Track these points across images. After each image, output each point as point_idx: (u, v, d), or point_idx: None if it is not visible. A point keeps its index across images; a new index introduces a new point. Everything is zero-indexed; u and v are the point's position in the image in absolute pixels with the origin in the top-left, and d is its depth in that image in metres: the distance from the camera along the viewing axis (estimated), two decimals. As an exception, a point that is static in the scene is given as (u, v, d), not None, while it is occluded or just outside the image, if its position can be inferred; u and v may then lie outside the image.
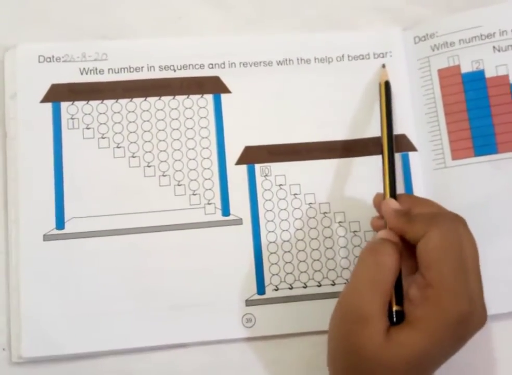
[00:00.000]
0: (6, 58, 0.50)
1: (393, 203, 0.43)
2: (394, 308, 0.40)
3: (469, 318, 0.38)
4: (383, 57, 0.52)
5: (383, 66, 0.52)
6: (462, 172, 0.50)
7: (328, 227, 0.49)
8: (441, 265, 0.38)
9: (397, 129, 0.50)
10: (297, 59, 0.52)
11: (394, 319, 0.39)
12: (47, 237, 0.48)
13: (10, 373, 0.47)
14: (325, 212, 0.49)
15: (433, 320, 0.37)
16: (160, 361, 0.48)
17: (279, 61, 0.52)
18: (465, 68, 0.51)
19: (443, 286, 0.38)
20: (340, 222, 0.49)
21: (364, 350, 0.38)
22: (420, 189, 0.50)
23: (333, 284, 0.48)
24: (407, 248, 0.41)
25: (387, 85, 0.50)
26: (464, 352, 0.46)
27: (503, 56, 0.51)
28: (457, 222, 0.40)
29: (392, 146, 0.47)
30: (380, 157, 0.47)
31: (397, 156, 0.50)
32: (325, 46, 0.53)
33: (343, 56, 0.53)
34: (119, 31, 0.52)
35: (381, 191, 0.46)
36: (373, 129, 0.51)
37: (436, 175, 0.50)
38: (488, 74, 0.51)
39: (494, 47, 0.51)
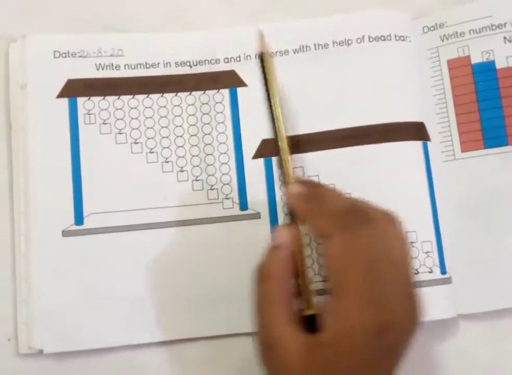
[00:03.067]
0: (12, 48, 0.49)
1: (297, 187, 0.40)
2: (303, 314, 0.38)
3: (389, 327, 0.34)
4: (403, 40, 0.50)
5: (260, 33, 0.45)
6: (471, 164, 0.49)
7: (348, 219, 0.48)
8: (350, 274, 0.35)
9: (415, 117, 0.49)
10: (315, 45, 0.50)
11: (307, 324, 0.38)
12: (66, 233, 0.47)
13: (16, 365, 0.46)
14: None
15: (352, 335, 0.34)
16: (172, 353, 0.47)
17: (295, 49, 0.50)
18: (476, 59, 0.50)
19: (356, 296, 0.34)
20: None
21: (284, 373, 0.36)
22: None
23: (352, 278, 0.47)
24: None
25: (262, 56, 0.43)
26: (486, 348, 0.47)
27: (514, 47, 0.49)
28: (361, 222, 0.36)
29: (282, 126, 0.42)
30: (402, 143, 0.47)
31: (418, 144, 0.48)
32: (344, 28, 0.50)
33: (363, 37, 0.50)
34: (125, 22, 0.51)
35: (406, 178, 0.47)
36: (396, 114, 0.48)
37: (445, 167, 0.49)
38: (498, 65, 0.50)
39: (504, 38, 0.50)
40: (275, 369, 0.36)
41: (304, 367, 0.35)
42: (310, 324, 0.37)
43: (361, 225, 0.36)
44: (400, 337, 0.35)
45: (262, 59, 0.44)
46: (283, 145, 0.42)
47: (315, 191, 0.39)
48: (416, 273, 0.47)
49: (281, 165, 0.42)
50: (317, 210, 0.38)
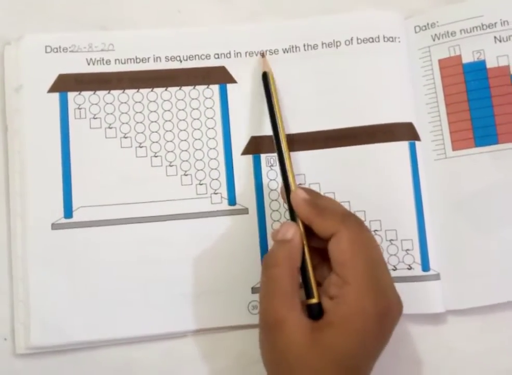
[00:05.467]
0: (7, 51, 0.49)
1: (302, 193, 0.42)
2: (308, 303, 0.39)
3: (387, 312, 0.38)
4: (392, 41, 0.49)
5: (263, 55, 0.49)
6: (462, 163, 0.48)
7: (332, 217, 0.47)
8: (355, 264, 0.38)
9: (403, 117, 0.48)
10: (304, 45, 0.50)
11: (310, 313, 0.39)
12: (55, 226, 0.46)
13: (13, 365, 0.46)
14: None
15: (355, 318, 0.37)
16: (165, 349, 0.47)
17: (285, 49, 0.50)
18: (466, 58, 0.50)
19: (359, 283, 0.38)
20: None
21: (288, 352, 0.37)
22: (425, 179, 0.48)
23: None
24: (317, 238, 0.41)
25: (265, 76, 0.47)
26: (475, 343, 0.47)
27: (504, 46, 0.49)
28: (362, 223, 0.40)
29: (283, 137, 0.44)
30: (388, 144, 0.47)
31: (405, 144, 0.48)
32: (333, 30, 0.50)
33: (351, 39, 0.49)
34: (119, 24, 0.50)
35: (391, 179, 0.46)
36: (383, 115, 0.48)
37: (436, 165, 0.49)
38: (489, 65, 0.49)
39: (495, 37, 0.49)
40: (278, 349, 0.38)
41: (308, 348, 0.37)
42: (312, 315, 0.39)
43: (360, 226, 0.40)
44: (394, 322, 0.39)
45: (266, 78, 0.46)
46: (286, 155, 0.44)
47: (317, 198, 0.42)
48: (393, 269, 0.47)
49: (284, 173, 0.43)
50: (322, 213, 0.40)
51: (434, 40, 0.50)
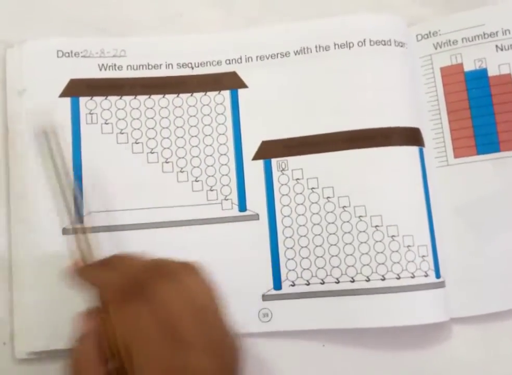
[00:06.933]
0: (9, 54, 0.48)
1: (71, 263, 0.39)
2: None
3: None
4: (401, 46, 0.49)
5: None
6: (464, 170, 0.49)
7: (347, 221, 0.47)
8: (138, 349, 0.33)
9: (413, 122, 0.48)
10: (316, 47, 0.50)
11: None
12: (66, 231, 0.46)
13: (12, 369, 0.45)
14: (345, 206, 0.47)
15: None
16: None
17: (296, 51, 0.50)
18: (468, 66, 0.50)
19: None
20: (360, 216, 0.47)
21: None
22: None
23: (352, 281, 0.46)
24: None
25: (46, 134, 0.45)
26: (478, 351, 0.47)
27: (506, 55, 0.50)
28: (148, 284, 0.35)
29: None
30: (401, 148, 0.47)
31: (415, 150, 0.48)
32: (345, 31, 0.50)
33: (364, 41, 0.49)
34: (122, 26, 0.50)
35: (405, 183, 0.46)
36: (397, 118, 0.48)
37: (438, 173, 0.49)
38: (491, 73, 0.50)
39: (496, 46, 0.50)
40: None
41: None
42: None
43: (132, 294, 0.34)
44: None
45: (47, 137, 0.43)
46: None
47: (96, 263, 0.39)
48: (411, 277, 0.46)
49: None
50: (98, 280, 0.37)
51: (436, 48, 0.51)
